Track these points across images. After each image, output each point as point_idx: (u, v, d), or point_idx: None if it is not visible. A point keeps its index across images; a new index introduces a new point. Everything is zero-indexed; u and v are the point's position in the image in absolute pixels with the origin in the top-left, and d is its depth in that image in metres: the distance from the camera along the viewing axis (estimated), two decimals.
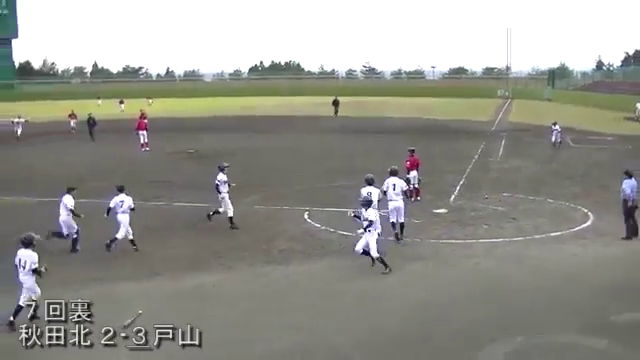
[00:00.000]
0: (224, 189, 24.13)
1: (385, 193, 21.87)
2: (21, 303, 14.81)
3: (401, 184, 22.31)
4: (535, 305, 16.17)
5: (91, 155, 45.07)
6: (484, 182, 33.16)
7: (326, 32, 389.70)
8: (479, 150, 43.62)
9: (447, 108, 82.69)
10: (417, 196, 28.48)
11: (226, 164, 25.02)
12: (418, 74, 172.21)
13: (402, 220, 22.27)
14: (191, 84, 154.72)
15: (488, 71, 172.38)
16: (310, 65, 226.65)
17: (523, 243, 22.01)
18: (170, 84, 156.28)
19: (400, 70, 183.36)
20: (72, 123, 59.21)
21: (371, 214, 18.95)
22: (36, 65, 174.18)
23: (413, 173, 28.52)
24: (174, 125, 65.66)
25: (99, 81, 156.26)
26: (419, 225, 24.37)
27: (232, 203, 24.11)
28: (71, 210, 21.49)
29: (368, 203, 19.42)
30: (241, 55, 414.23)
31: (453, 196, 29.63)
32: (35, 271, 15.07)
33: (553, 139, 47.06)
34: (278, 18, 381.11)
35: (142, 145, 47.69)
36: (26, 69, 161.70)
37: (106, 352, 12.00)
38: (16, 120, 55.47)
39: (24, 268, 15.17)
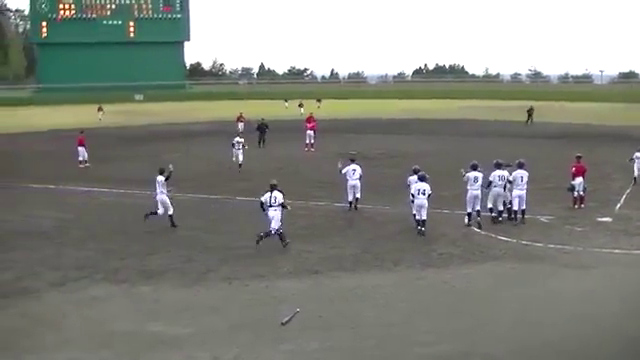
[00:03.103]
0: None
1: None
2: (277, 228, 21.77)
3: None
4: None
5: (258, 155, 46.01)
6: None
7: (492, 35, 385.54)
8: None
9: (616, 114, 79.95)
10: (581, 203, 27.84)
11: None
12: (586, 78, 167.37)
13: (523, 207, 25.29)
14: (355, 86, 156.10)
15: None
16: (474, 68, 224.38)
17: None
18: (335, 86, 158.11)
19: (567, 74, 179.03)
20: (240, 126, 57.10)
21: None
22: (206, 66, 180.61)
23: (579, 180, 27.88)
24: (339, 126, 66.51)
25: (265, 82, 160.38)
26: (582, 233, 23.88)
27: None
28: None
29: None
30: (405, 58, 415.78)
31: (619, 205, 28.74)
32: (282, 205, 21.97)
33: (636, 172, 33.88)
34: (444, 21, 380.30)
35: (306, 145, 48.76)
36: (196, 70, 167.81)
37: None
38: (237, 139, 41.48)
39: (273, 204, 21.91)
